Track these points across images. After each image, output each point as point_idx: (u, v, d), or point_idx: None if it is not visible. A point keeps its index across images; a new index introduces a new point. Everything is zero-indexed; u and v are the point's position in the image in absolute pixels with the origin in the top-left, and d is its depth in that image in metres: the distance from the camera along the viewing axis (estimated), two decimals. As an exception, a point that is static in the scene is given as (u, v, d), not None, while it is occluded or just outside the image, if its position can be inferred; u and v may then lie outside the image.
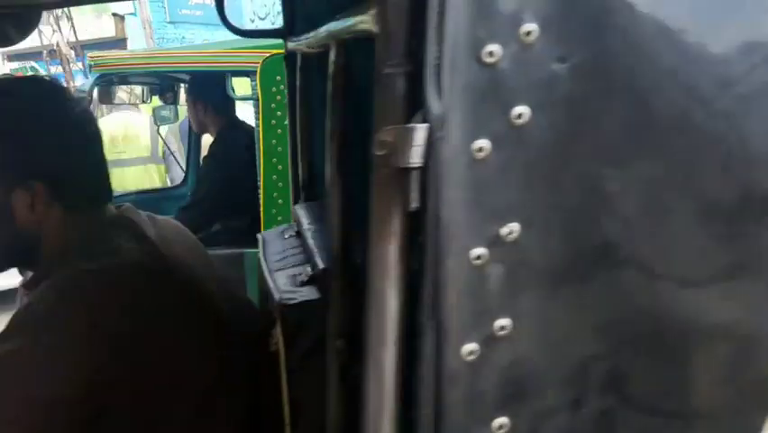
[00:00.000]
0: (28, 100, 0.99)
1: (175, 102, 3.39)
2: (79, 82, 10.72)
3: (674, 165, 0.51)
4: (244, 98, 2.89)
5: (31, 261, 1.05)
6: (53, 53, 10.33)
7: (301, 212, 1.14)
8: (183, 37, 11.19)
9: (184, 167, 3.50)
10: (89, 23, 10.57)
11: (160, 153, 3.88)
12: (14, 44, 1.40)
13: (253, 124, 2.62)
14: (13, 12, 1.33)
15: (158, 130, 3.75)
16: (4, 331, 0.90)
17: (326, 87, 0.77)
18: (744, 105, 0.51)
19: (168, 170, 4.12)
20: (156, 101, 3.51)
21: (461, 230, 0.47)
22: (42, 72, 11.26)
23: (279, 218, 2.32)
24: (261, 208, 2.35)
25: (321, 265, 0.88)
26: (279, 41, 1.29)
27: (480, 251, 0.47)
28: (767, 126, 0.52)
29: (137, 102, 3.52)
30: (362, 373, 0.52)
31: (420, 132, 0.44)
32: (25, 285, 1.14)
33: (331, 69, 0.76)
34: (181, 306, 1.00)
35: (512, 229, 0.48)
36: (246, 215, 2.60)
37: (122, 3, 10.37)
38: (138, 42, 10.44)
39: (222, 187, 2.65)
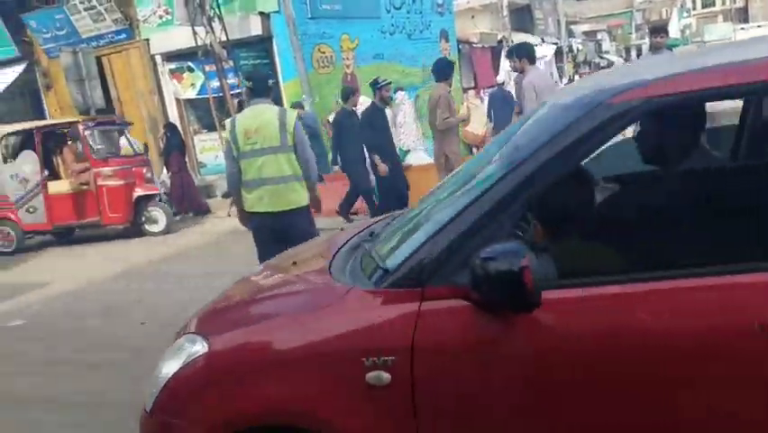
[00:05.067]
0: None
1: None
2: (231, 80, 11.43)
3: None
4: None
5: None
6: (207, 53, 11.07)
7: None
8: (323, 32, 11.48)
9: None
10: (239, 23, 11.16)
11: (290, 143, 4.13)
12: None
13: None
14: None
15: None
16: None
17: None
18: None
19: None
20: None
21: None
22: (198, 71, 12.10)
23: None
24: None
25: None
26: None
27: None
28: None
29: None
30: None
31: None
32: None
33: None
34: None
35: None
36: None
37: (267, 1, 10.85)
38: (282, 39, 10.86)
39: None
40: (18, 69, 13.35)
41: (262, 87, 4.36)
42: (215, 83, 11.30)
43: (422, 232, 1.85)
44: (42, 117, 13.18)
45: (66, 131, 9.93)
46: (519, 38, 21.39)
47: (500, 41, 19.46)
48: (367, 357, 1.70)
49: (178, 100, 12.53)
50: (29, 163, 9.45)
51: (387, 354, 1.69)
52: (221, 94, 11.19)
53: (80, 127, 9.34)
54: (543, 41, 23.64)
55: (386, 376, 1.69)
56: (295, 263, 2.41)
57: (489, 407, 1.68)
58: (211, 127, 12.06)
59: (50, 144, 9.89)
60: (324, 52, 11.52)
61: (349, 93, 8.25)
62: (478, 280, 1.56)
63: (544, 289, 1.59)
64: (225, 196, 4.98)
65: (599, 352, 1.61)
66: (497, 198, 1.69)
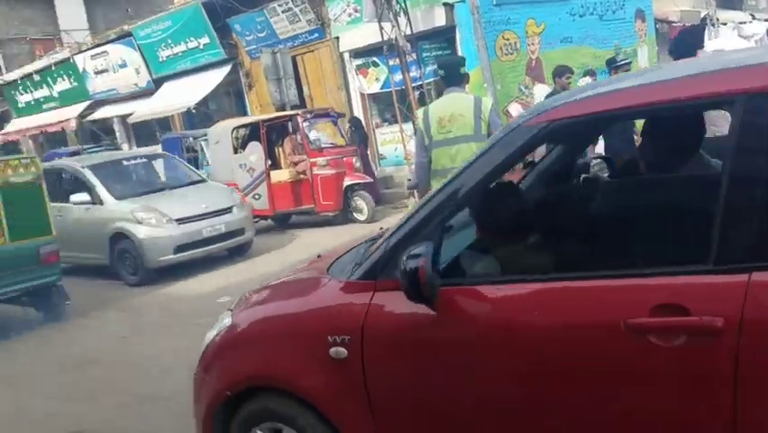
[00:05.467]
0: None
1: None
2: (413, 72, 11.55)
3: None
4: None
5: None
6: (392, 47, 11.28)
7: None
8: (508, 18, 11.15)
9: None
10: (423, 15, 11.23)
11: (484, 131, 4.07)
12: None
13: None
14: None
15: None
16: None
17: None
18: None
19: None
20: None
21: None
22: (382, 66, 12.40)
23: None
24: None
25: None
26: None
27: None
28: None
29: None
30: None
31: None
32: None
33: None
34: None
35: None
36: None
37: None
38: (466, 28, 10.72)
39: None
40: (225, 69, 14.73)
41: (455, 75, 4.28)
42: (398, 76, 11.48)
43: (389, 232, 2.16)
44: (245, 114, 14.44)
45: (287, 123, 10.72)
46: (725, 16, 19.14)
47: (704, 19, 17.54)
48: (331, 336, 2.08)
49: (362, 95, 12.97)
50: (255, 154, 10.42)
51: (345, 333, 2.06)
52: (403, 87, 11.35)
53: (299, 119, 10.03)
54: (753, 17, 20.96)
55: (343, 352, 2.06)
56: (319, 256, 2.86)
57: (418, 383, 1.98)
58: (392, 120, 12.31)
59: (272, 136, 10.80)
60: (508, 39, 11.18)
61: (558, 73, 7.66)
62: (401, 275, 1.83)
63: (479, 284, 1.96)
64: (411, 187, 5.06)
65: (499, 342, 1.85)
66: (434, 204, 2.01)
